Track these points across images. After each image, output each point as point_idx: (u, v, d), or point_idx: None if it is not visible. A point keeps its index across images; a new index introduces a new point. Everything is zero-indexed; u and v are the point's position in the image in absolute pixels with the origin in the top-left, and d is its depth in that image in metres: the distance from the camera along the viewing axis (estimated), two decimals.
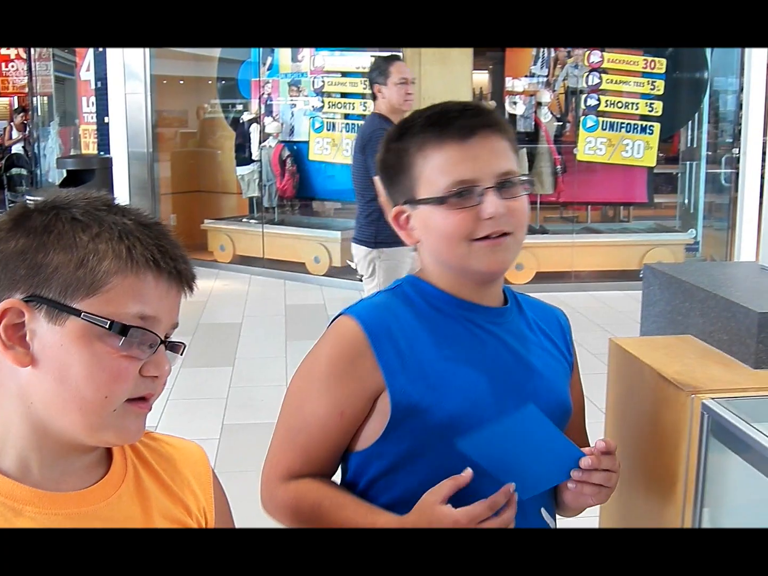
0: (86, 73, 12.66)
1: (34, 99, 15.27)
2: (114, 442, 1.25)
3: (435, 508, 1.44)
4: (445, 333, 1.64)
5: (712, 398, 1.85)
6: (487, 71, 13.43)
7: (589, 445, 1.57)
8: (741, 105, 9.68)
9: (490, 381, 1.62)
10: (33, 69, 15.06)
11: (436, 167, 1.59)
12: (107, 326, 1.15)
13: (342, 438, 1.61)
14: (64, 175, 11.55)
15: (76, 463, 1.24)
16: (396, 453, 1.59)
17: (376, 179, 5.09)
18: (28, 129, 17.52)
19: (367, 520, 1.51)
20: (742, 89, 9.66)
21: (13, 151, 17.70)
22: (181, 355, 1.27)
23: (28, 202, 1.22)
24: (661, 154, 10.58)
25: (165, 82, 12.62)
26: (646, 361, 2.09)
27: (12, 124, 19.22)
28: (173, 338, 1.25)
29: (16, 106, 22.52)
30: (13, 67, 19.02)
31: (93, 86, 12.60)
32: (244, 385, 6.33)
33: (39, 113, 15.19)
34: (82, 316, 1.15)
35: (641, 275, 2.70)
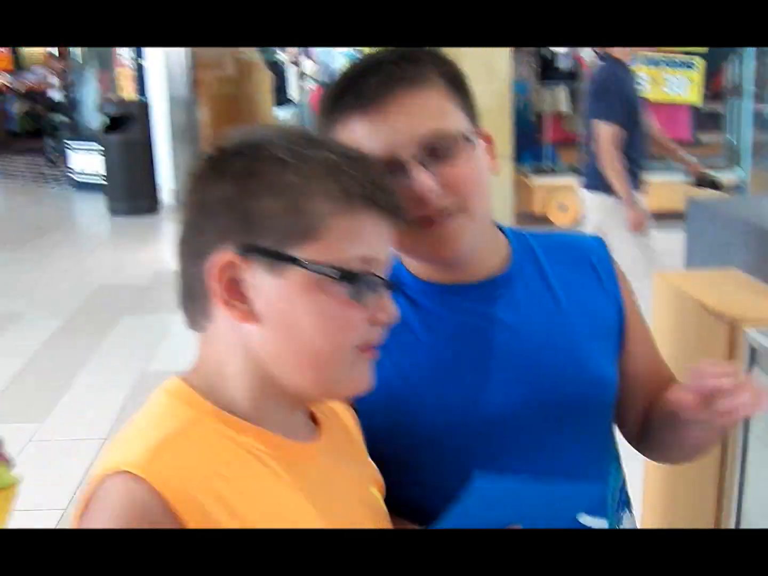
0: None
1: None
2: (345, 393, 1.19)
3: None
4: (420, 330, 1.42)
5: (756, 329, 1.82)
6: None
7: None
8: None
9: (474, 377, 1.40)
10: None
11: (347, 136, 1.31)
12: (334, 275, 1.06)
13: None
14: (107, 122, 11.59)
15: (295, 418, 1.18)
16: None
17: (600, 124, 4.99)
18: (66, 75, 17.52)
19: None
20: None
21: (53, 98, 17.71)
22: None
23: (221, 145, 1.11)
24: (705, 91, 10.38)
25: None
26: (689, 293, 2.06)
27: (50, 69, 19.22)
28: None
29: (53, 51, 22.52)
30: None
31: None
32: None
33: (77, 58, 15.14)
34: (304, 265, 1.05)
35: (686, 210, 2.65)
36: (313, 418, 1.23)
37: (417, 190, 1.29)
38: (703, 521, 1.98)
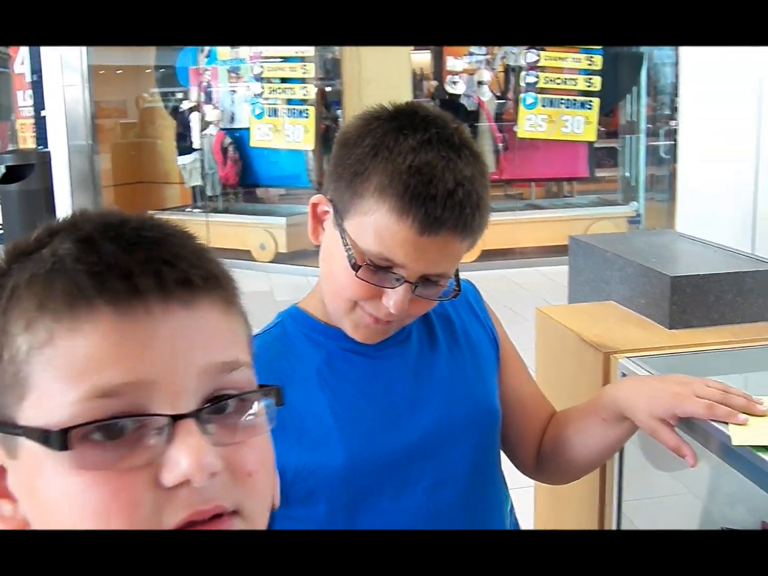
0: (21, 66, 12.46)
1: None
2: None
3: None
4: (327, 374, 1.44)
5: (628, 357, 1.95)
6: (426, 51, 13.48)
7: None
8: (678, 77, 9.79)
9: (376, 419, 1.44)
10: None
11: (379, 227, 1.33)
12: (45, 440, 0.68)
13: None
14: (3, 171, 11.44)
15: None
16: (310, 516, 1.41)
17: None
18: None
19: None
20: (678, 62, 9.78)
21: None
22: None
23: None
24: (602, 129, 10.68)
25: (102, 72, 12.47)
26: (568, 325, 2.19)
27: None
28: None
29: None
30: None
31: (29, 79, 12.44)
32: None
33: None
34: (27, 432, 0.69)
35: (568, 246, 2.76)
36: None
37: (390, 307, 1.34)
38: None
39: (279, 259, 9.99)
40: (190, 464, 0.67)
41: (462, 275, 1.51)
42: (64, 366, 0.68)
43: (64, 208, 11.50)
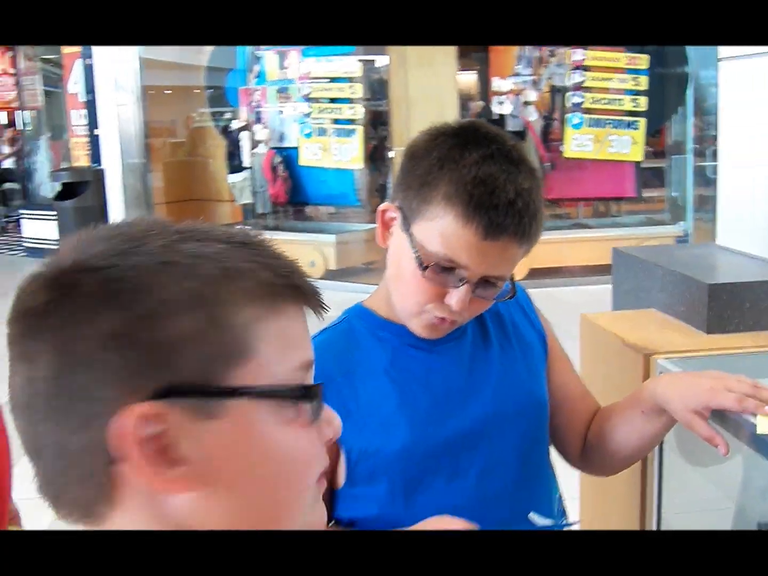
0: (74, 86, 12.75)
1: (24, 113, 15.37)
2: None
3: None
4: (390, 367, 1.58)
5: (666, 358, 2.07)
6: (473, 72, 13.59)
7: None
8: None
9: (434, 408, 1.56)
10: (20, 83, 15.16)
11: (445, 231, 1.44)
12: (286, 395, 0.84)
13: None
14: (59, 188, 11.70)
15: None
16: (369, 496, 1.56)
17: None
18: (18, 144, 17.59)
19: None
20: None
21: (4, 166, 17.77)
22: None
23: (70, 262, 0.80)
24: (649, 149, 10.71)
25: (152, 92, 12.73)
26: (610, 329, 2.32)
27: (1, 139, 19.28)
28: None
29: (5, 121, 22.53)
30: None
31: (82, 99, 12.71)
32: None
33: (29, 127, 15.27)
34: (244, 393, 0.81)
35: (612, 259, 2.91)
36: None
37: (453, 305, 1.47)
38: (630, 524, 2.24)
39: (328, 276, 10.11)
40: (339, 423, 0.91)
41: None
42: (281, 339, 0.84)
43: None
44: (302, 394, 0.84)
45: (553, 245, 9.78)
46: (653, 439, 1.71)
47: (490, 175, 1.42)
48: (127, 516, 0.80)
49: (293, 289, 0.87)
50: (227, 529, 0.81)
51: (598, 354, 2.44)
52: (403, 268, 1.51)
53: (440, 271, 1.46)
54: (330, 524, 1.59)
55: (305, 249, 10.49)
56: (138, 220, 0.86)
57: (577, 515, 2.60)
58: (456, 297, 1.47)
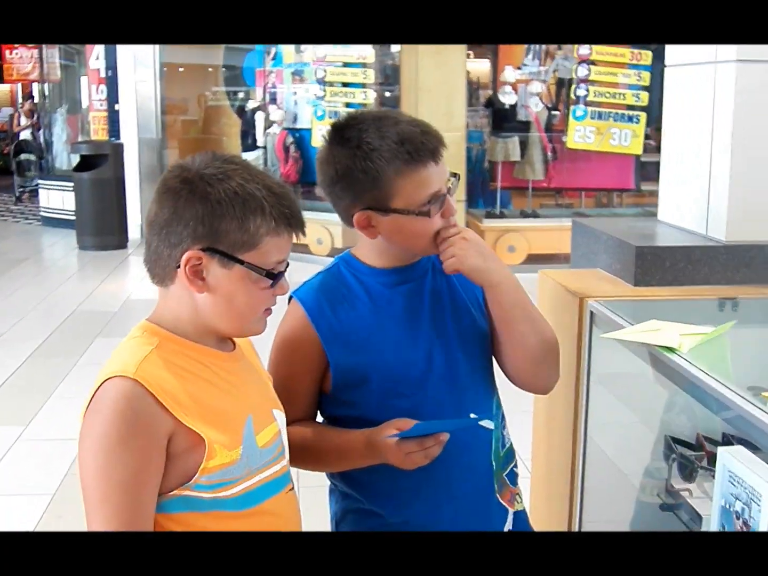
0: (95, 61, 13.04)
1: (44, 86, 15.62)
2: (252, 334, 1.73)
3: (379, 441, 1.84)
4: (366, 300, 1.97)
5: (595, 300, 2.58)
6: (482, 60, 13.84)
7: None
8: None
9: (402, 331, 1.96)
10: (43, 56, 15.40)
11: (413, 184, 1.84)
12: (263, 274, 1.61)
13: (304, 399, 2.01)
14: (78, 159, 12.02)
15: (220, 345, 1.72)
16: (355, 403, 1.97)
17: None
18: (36, 115, 17.87)
19: (341, 438, 1.93)
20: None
21: (21, 138, 18.04)
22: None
23: (192, 168, 1.61)
24: (652, 143, 10.95)
25: (165, 69, 13.06)
26: (558, 281, 2.83)
27: (20, 110, 19.55)
28: None
29: (20, 93, 22.82)
30: (17, 54, 19.27)
31: (103, 74, 13.03)
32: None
33: (47, 100, 15.54)
34: (245, 265, 1.59)
35: (571, 227, 3.43)
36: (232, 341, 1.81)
37: (452, 212, 1.89)
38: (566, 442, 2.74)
39: (335, 253, 10.25)
40: (287, 287, 1.68)
41: None
42: (275, 247, 1.62)
43: (133, 198, 12.06)
44: (273, 276, 1.62)
45: (552, 232, 10.07)
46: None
47: (397, 134, 1.85)
48: (177, 290, 1.63)
49: (289, 224, 1.63)
50: (221, 319, 1.65)
51: (548, 300, 2.94)
52: (410, 233, 1.91)
53: (435, 202, 1.87)
54: (323, 420, 2.05)
55: (313, 227, 10.82)
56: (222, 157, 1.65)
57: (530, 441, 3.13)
58: (449, 207, 1.90)
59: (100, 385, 1.54)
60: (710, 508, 1.69)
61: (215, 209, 1.56)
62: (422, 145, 1.84)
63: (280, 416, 1.79)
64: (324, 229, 10.69)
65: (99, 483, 1.50)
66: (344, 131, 1.89)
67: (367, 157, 1.83)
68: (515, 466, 2.13)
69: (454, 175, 1.95)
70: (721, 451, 1.63)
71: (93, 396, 1.54)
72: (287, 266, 1.67)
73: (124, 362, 1.56)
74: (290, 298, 2.00)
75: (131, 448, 1.50)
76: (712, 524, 1.65)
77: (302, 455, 1.93)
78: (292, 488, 1.78)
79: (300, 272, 2.03)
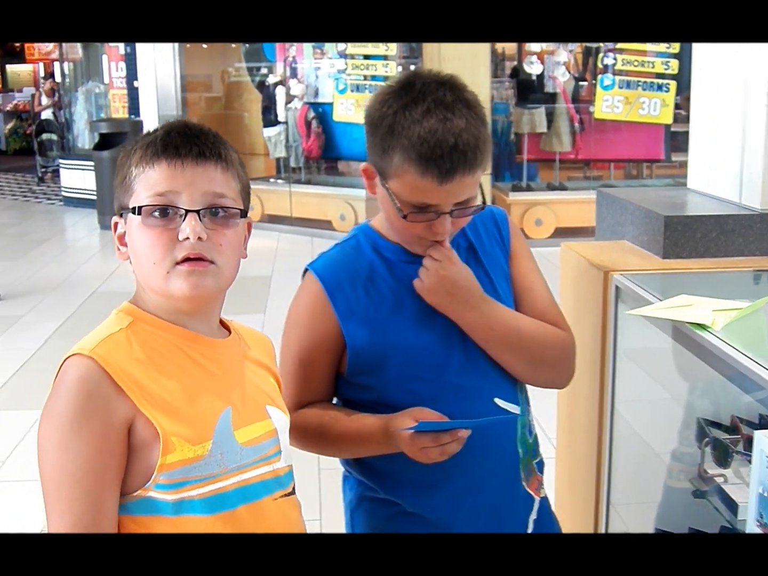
0: None
1: (64, 65, 15.57)
2: (178, 297, 1.49)
3: (395, 431, 1.73)
4: (387, 277, 1.86)
5: (621, 274, 2.43)
6: None
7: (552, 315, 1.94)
8: None
9: (421, 312, 1.84)
10: None
11: (410, 184, 1.72)
12: (132, 212, 1.48)
13: (320, 380, 1.90)
14: (97, 138, 11.96)
15: (208, 325, 1.58)
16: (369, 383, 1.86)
17: None
18: (57, 95, 17.84)
19: (358, 423, 1.82)
20: None
21: (42, 117, 18.03)
22: (242, 218, 1.55)
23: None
24: (683, 112, 10.76)
25: (188, 46, 12.95)
26: (582, 254, 2.66)
27: (41, 90, 19.55)
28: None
29: (42, 72, 22.82)
30: None
31: (122, 52, 12.96)
32: (276, 330, 6.71)
33: (68, 79, 15.49)
34: (129, 211, 1.50)
35: (596, 198, 3.25)
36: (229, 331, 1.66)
37: (439, 234, 1.77)
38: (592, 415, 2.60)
39: None
40: (190, 230, 1.45)
41: (536, 250, 2.06)
42: (146, 182, 1.49)
43: None
44: (137, 211, 1.47)
45: (580, 205, 9.86)
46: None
47: (429, 130, 1.70)
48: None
49: (168, 151, 1.48)
50: (141, 281, 1.55)
51: (571, 275, 2.78)
52: (391, 213, 1.80)
53: (418, 212, 1.75)
54: (337, 403, 1.94)
55: (336, 202, 10.73)
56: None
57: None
58: (438, 227, 1.76)
59: (63, 363, 1.46)
60: (747, 496, 1.62)
61: (117, 174, 1.56)
62: (438, 159, 1.69)
63: (279, 416, 1.61)
64: (347, 205, 10.58)
65: (52, 473, 1.40)
66: (408, 88, 1.77)
67: (394, 128, 1.74)
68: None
69: (482, 204, 1.82)
70: (759, 435, 1.54)
71: (56, 375, 1.45)
72: (214, 200, 1.49)
73: (87, 340, 1.49)
74: (305, 270, 1.88)
75: (84, 434, 1.38)
76: (749, 512, 1.57)
77: (318, 440, 1.86)
78: (289, 494, 1.59)
79: (323, 249, 1.89)
